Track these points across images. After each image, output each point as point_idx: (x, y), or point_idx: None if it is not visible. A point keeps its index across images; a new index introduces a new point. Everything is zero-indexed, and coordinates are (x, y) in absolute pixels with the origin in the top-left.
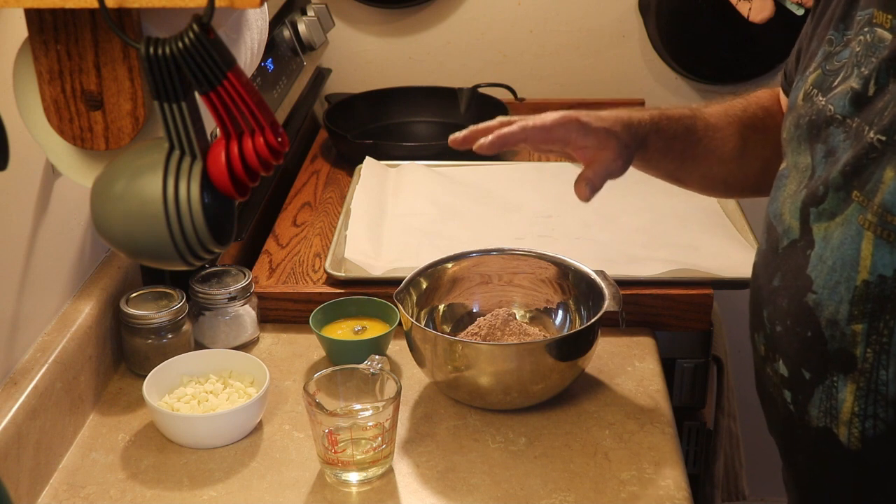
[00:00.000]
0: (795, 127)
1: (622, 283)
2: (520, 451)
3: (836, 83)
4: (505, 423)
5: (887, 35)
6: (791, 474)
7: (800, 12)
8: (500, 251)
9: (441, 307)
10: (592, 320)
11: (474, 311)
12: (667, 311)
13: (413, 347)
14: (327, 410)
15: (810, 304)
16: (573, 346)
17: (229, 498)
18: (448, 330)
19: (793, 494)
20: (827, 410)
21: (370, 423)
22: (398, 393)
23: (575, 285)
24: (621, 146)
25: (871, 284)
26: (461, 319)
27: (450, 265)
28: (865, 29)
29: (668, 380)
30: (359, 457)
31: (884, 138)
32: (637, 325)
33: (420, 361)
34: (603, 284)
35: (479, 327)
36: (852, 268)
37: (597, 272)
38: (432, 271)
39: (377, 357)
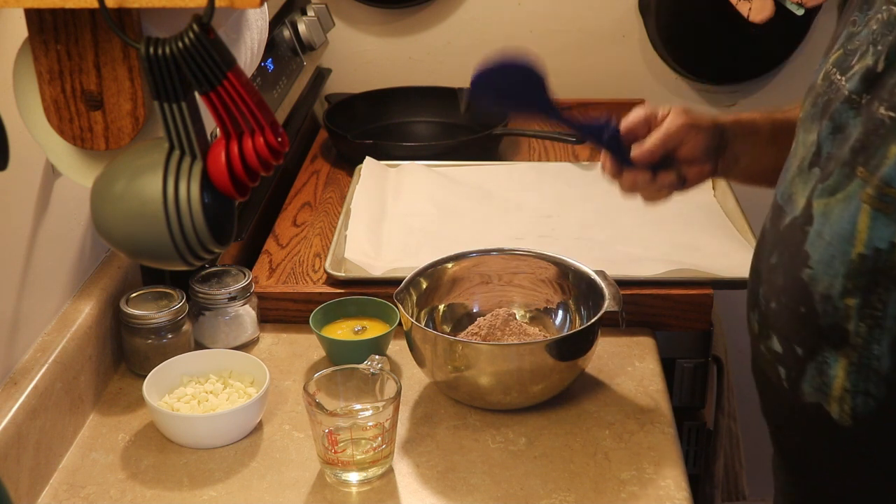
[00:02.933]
0: (812, 106)
1: (622, 283)
2: (520, 451)
3: (854, 62)
4: (505, 423)
5: None
6: (781, 457)
7: (800, 12)
8: (500, 251)
9: (441, 307)
10: (592, 320)
11: (474, 311)
12: (667, 311)
13: (413, 347)
14: (327, 410)
15: (805, 280)
16: (573, 346)
17: (229, 498)
18: (448, 330)
19: (782, 479)
20: (818, 387)
21: (370, 423)
22: (398, 393)
23: (575, 285)
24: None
25: (866, 258)
26: (461, 319)
27: (450, 265)
28: (884, 7)
29: (668, 380)
30: (359, 457)
31: (893, 114)
32: (637, 325)
33: (420, 361)
34: (603, 284)
35: (479, 327)
36: (848, 241)
37: (597, 272)
38: (432, 271)
39: (377, 357)
